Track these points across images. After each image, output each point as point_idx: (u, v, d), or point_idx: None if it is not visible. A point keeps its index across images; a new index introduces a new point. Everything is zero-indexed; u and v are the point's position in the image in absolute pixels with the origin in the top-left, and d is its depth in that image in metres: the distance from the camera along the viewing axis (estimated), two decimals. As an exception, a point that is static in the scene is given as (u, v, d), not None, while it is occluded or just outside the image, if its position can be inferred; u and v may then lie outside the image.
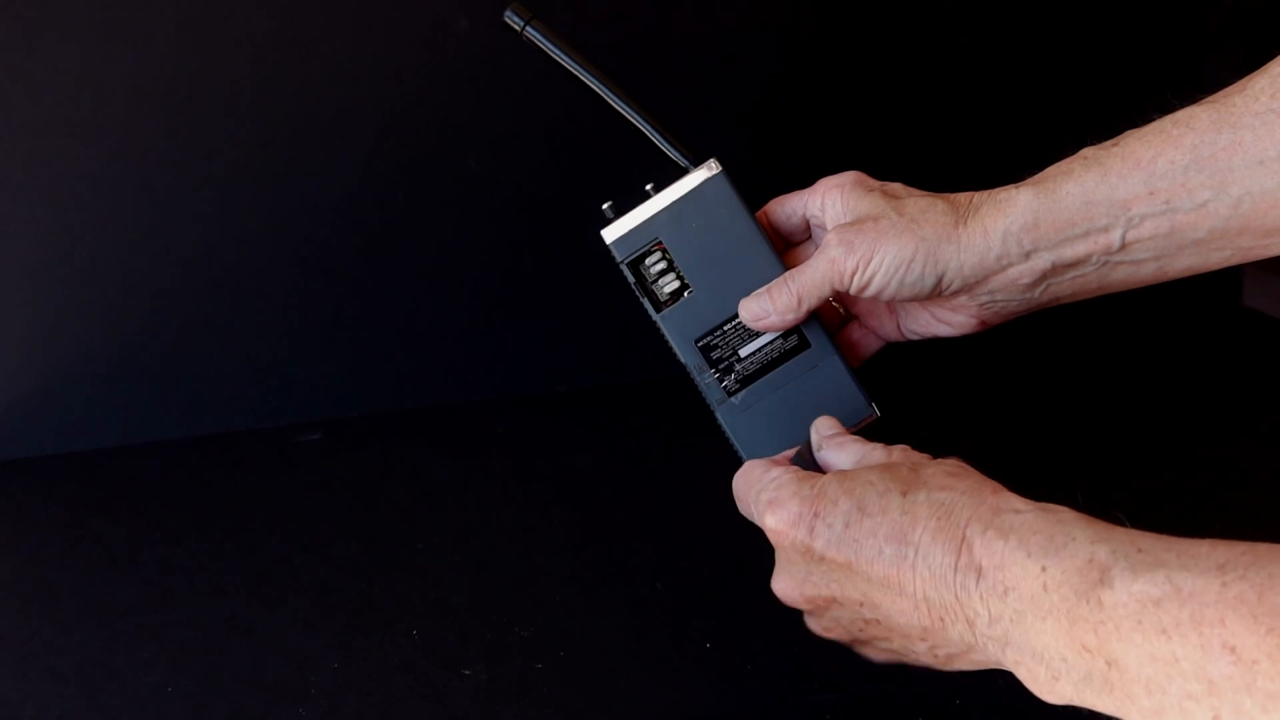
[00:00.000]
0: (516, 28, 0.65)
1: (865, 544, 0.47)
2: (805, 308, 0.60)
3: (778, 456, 0.59)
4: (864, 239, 0.57)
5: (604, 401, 1.07)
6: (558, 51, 0.66)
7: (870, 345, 0.66)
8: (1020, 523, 0.43)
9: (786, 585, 0.52)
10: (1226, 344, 1.19)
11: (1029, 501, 0.45)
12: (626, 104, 0.66)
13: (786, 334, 0.62)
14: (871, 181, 0.61)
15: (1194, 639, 0.35)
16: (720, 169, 0.64)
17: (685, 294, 0.63)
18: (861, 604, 0.48)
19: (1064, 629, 0.39)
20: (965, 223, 0.56)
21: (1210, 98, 0.52)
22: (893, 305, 0.64)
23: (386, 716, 0.65)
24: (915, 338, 0.64)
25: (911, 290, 0.57)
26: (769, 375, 0.62)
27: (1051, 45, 1.19)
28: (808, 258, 0.61)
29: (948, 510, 0.45)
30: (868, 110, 1.15)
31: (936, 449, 0.53)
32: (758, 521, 0.53)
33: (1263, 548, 0.36)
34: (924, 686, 0.65)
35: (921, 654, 0.48)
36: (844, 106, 1.14)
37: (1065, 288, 0.57)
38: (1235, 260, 0.53)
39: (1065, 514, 0.43)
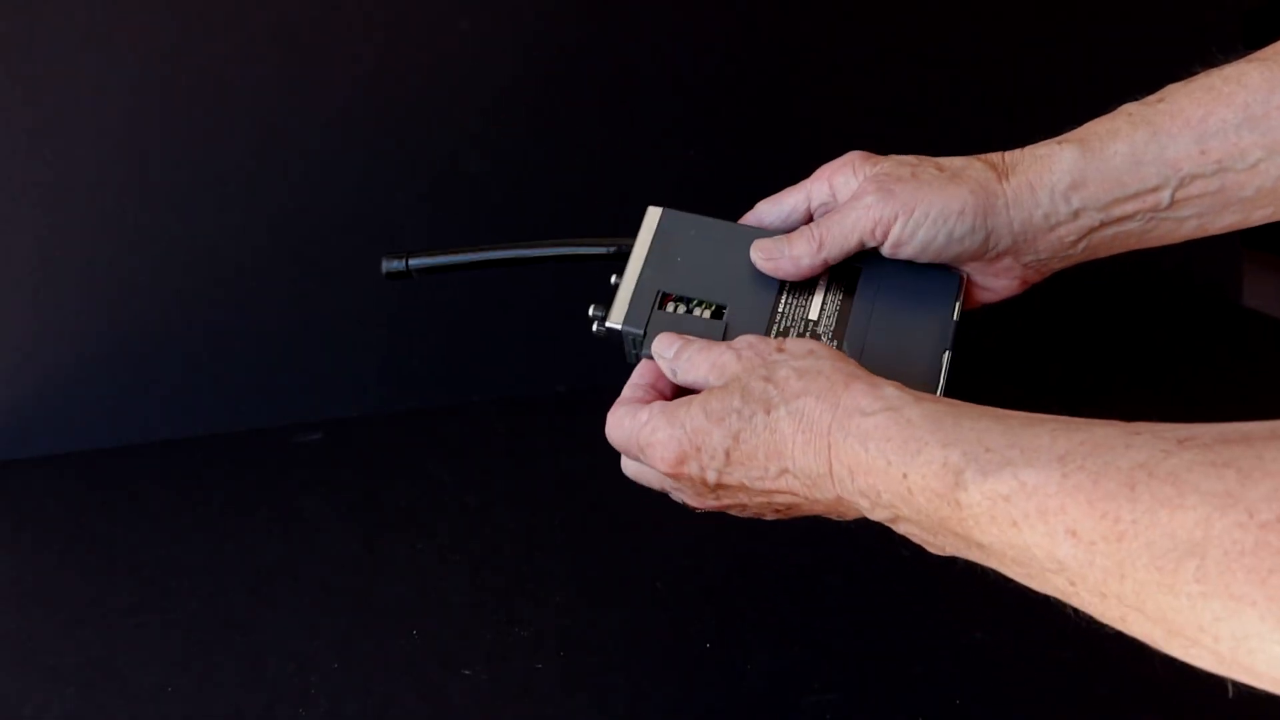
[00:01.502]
0: (402, 270, 0.63)
1: (750, 466, 0.49)
2: (824, 256, 0.55)
3: (640, 396, 0.56)
4: (905, 189, 0.53)
5: (604, 401, 1.06)
6: (446, 260, 0.63)
7: None
8: (873, 427, 0.44)
9: (697, 504, 0.54)
10: (1226, 344, 1.19)
11: (877, 395, 0.45)
12: (534, 249, 0.64)
13: (836, 276, 0.57)
14: (880, 155, 0.57)
15: (1041, 528, 0.38)
16: (662, 208, 0.61)
17: (725, 312, 0.58)
18: (768, 505, 0.51)
19: (934, 521, 0.42)
20: (1008, 178, 0.54)
21: (1259, 54, 0.51)
22: None
23: (386, 716, 0.65)
24: None
25: (959, 247, 0.54)
26: (852, 312, 0.57)
27: (1051, 45, 1.19)
28: None
29: (809, 421, 0.47)
30: (859, 112, 1.15)
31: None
32: (645, 465, 0.53)
33: (1099, 434, 0.38)
34: (924, 686, 0.65)
35: (835, 517, 0.51)
36: (830, 107, 1.14)
37: (1104, 244, 0.55)
38: (1276, 216, 0.53)
39: (913, 413, 0.44)
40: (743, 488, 0.50)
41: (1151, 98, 0.54)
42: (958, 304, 0.56)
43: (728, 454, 0.49)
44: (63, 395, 1.00)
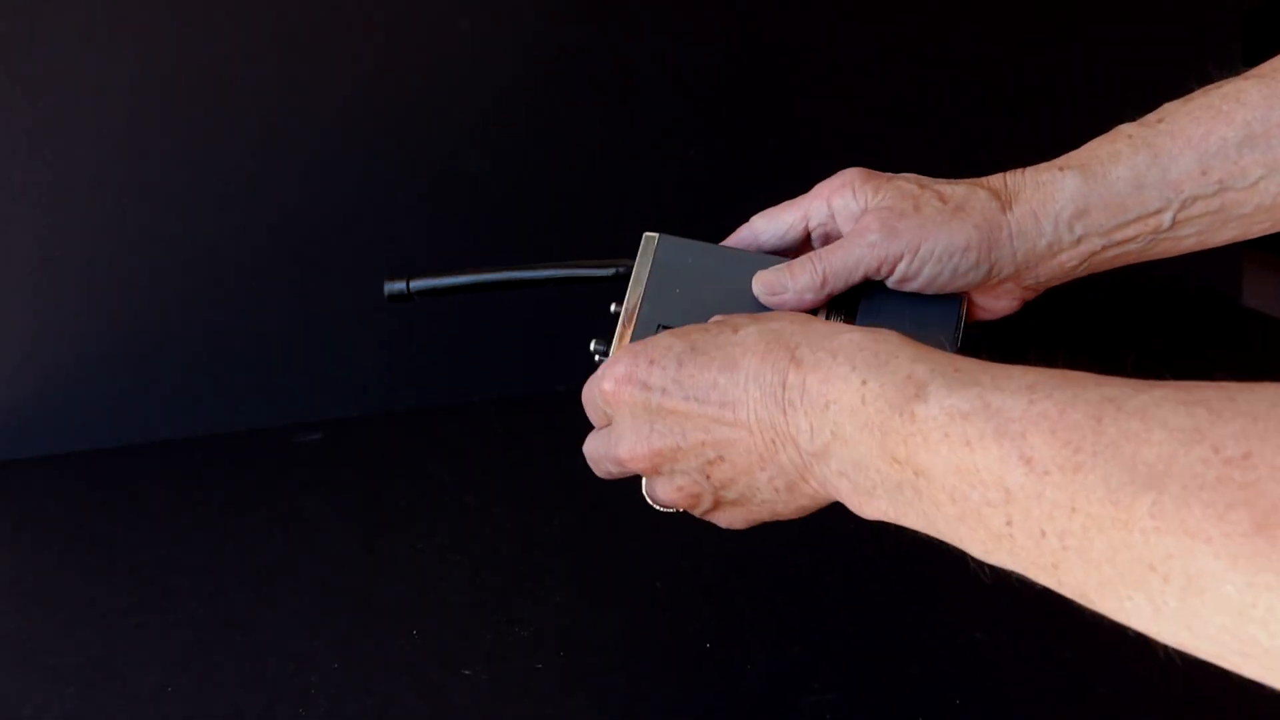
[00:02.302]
0: (403, 292, 0.63)
1: (700, 378, 0.47)
2: (828, 290, 0.55)
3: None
4: (909, 225, 0.53)
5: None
6: (447, 282, 0.64)
7: None
8: (848, 342, 0.44)
9: (632, 443, 0.51)
10: (1226, 344, 1.19)
11: (860, 328, 0.45)
12: (535, 271, 0.63)
13: (836, 301, 0.56)
14: (880, 174, 0.56)
15: (995, 450, 0.36)
16: (658, 235, 0.60)
17: None
18: (704, 443, 0.48)
19: (877, 440, 0.41)
20: (1012, 208, 0.54)
21: (1255, 71, 0.52)
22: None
23: (386, 716, 0.65)
24: None
25: (963, 280, 0.54)
26: None
27: (1052, 45, 1.19)
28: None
29: (778, 335, 0.46)
30: (856, 118, 1.15)
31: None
32: (598, 400, 0.53)
33: (1073, 373, 0.38)
34: (924, 686, 0.65)
35: (764, 490, 0.48)
36: (828, 116, 1.14)
37: (1104, 264, 0.56)
38: (1275, 229, 0.53)
39: (894, 338, 0.44)
40: (680, 412, 0.48)
41: (1150, 117, 0.53)
42: (960, 327, 0.56)
43: (680, 364, 0.48)
44: (63, 395, 1.00)
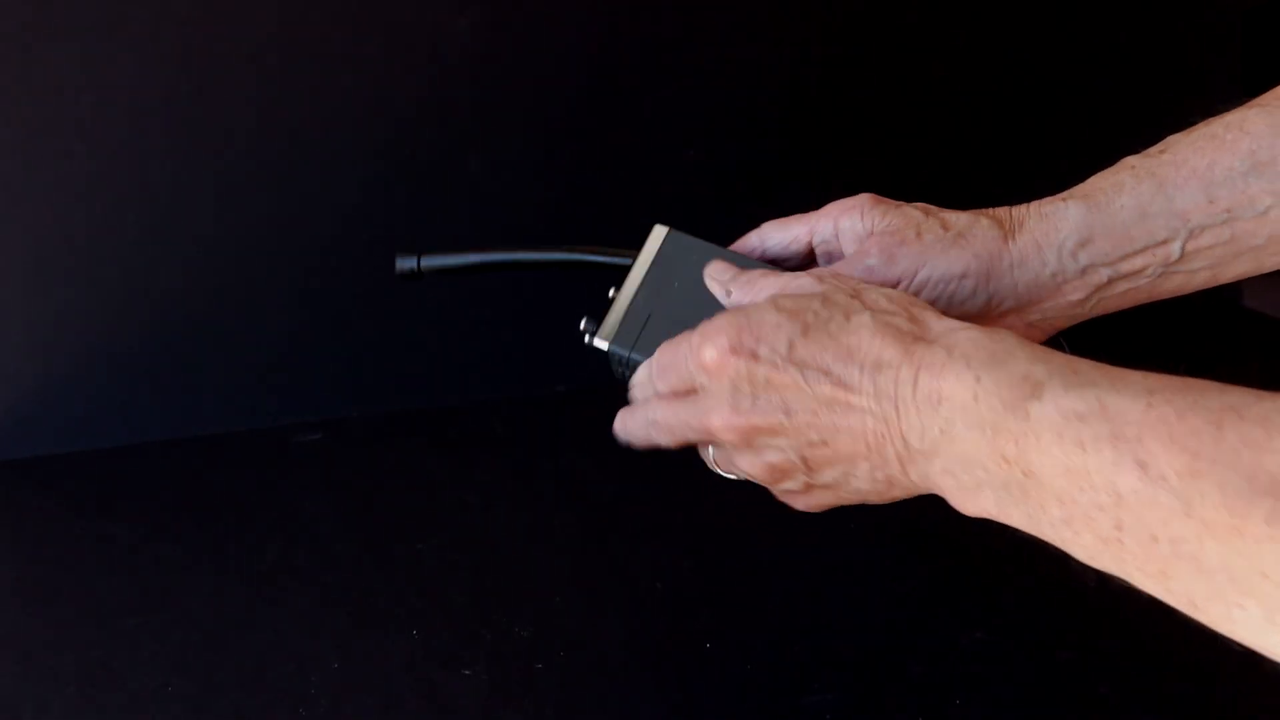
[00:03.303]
0: (413, 269, 0.62)
1: (814, 361, 0.46)
2: None
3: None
4: (908, 251, 0.53)
5: (604, 401, 1.06)
6: (458, 261, 0.63)
7: None
8: (965, 338, 0.43)
9: (728, 416, 0.48)
10: (1226, 344, 1.19)
11: (977, 325, 0.45)
12: (545, 254, 0.63)
13: None
14: (890, 201, 0.56)
15: (1109, 454, 0.36)
16: (668, 229, 0.60)
17: None
18: (810, 425, 0.46)
19: (987, 439, 0.40)
20: (1014, 238, 0.53)
21: (1258, 100, 0.51)
22: None
23: (386, 716, 0.65)
24: None
25: (959, 310, 0.53)
26: None
27: (1051, 46, 1.19)
28: None
29: (893, 327, 0.45)
30: (862, 127, 1.15)
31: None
32: (689, 367, 0.50)
33: (1195, 380, 0.37)
34: (924, 686, 0.65)
35: (862, 480, 0.47)
36: (841, 128, 1.14)
37: (1115, 300, 0.55)
38: None
39: (1011, 337, 0.43)
40: (793, 392, 0.46)
41: (1153, 149, 0.53)
42: None
43: (791, 345, 0.46)
44: (63, 395, 1.00)
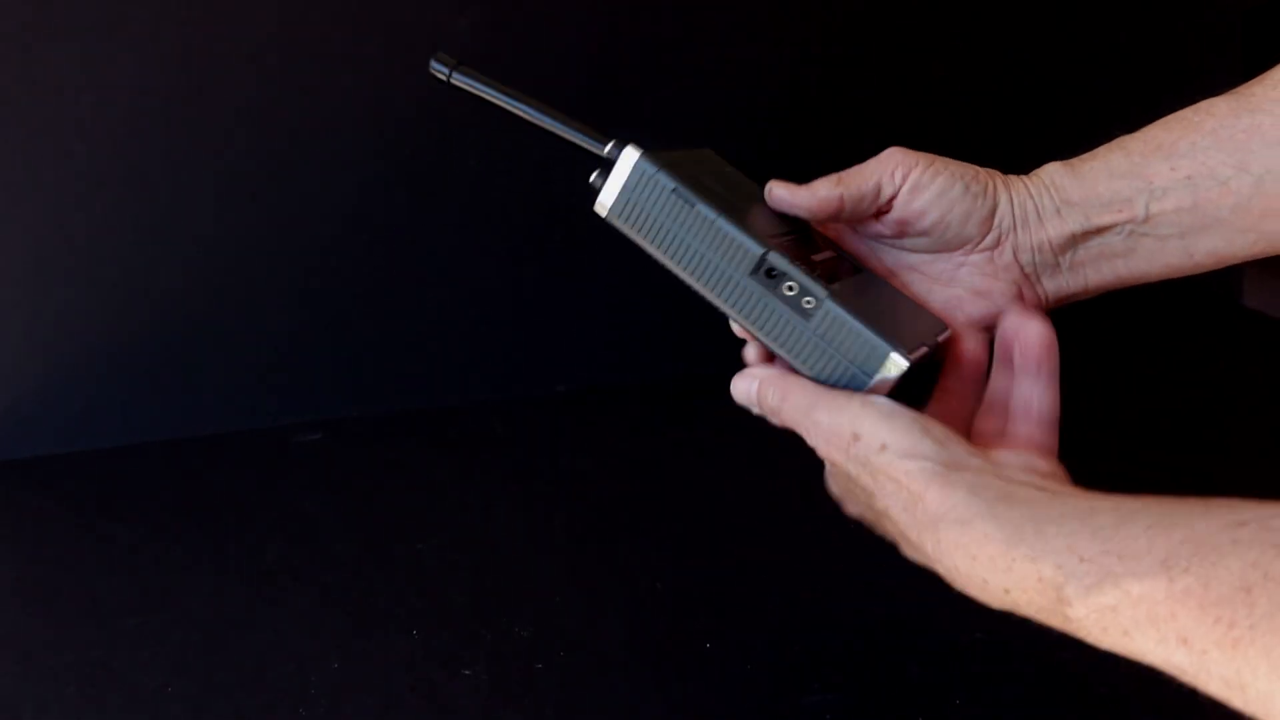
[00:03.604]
0: (444, 76, 0.62)
1: (889, 506, 0.48)
2: (840, 190, 0.55)
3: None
4: (924, 155, 0.56)
5: (604, 401, 1.07)
6: (488, 92, 0.63)
7: None
8: (954, 545, 0.44)
9: (832, 489, 0.55)
10: (1226, 344, 1.19)
11: (949, 500, 0.44)
12: (566, 126, 0.63)
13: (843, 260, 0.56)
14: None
15: (1153, 635, 0.37)
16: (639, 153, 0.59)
17: (732, 208, 0.54)
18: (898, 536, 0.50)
19: (1054, 625, 0.42)
20: (1004, 176, 0.57)
21: (1231, 91, 0.54)
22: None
23: (386, 716, 0.65)
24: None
25: (964, 209, 0.55)
26: (858, 275, 0.55)
27: (1052, 46, 1.19)
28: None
29: (903, 529, 0.47)
30: (862, 118, 1.15)
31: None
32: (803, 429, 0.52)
33: (1200, 529, 0.37)
34: (924, 686, 0.65)
35: None
36: (846, 117, 1.14)
37: (1092, 261, 0.57)
38: (1261, 248, 0.54)
39: (989, 527, 0.43)
40: (877, 515, 0.51)
41: (1136, 132, 0.56)
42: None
43: (875, 476, 0.48)
44: (63, 395, 1.00)
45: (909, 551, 0.49)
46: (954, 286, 0.58)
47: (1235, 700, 0.35)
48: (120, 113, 0.97)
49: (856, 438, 0.49)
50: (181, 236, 1.00)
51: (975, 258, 0.58)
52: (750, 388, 0.55)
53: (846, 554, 0.80)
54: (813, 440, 0.52)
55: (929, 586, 0.74)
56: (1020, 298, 0.58)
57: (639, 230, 0.59)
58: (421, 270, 1.07)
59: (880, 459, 0.47)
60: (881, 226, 0.58)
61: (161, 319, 1.01)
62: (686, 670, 0.68)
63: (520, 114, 0.63)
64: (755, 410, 0.55)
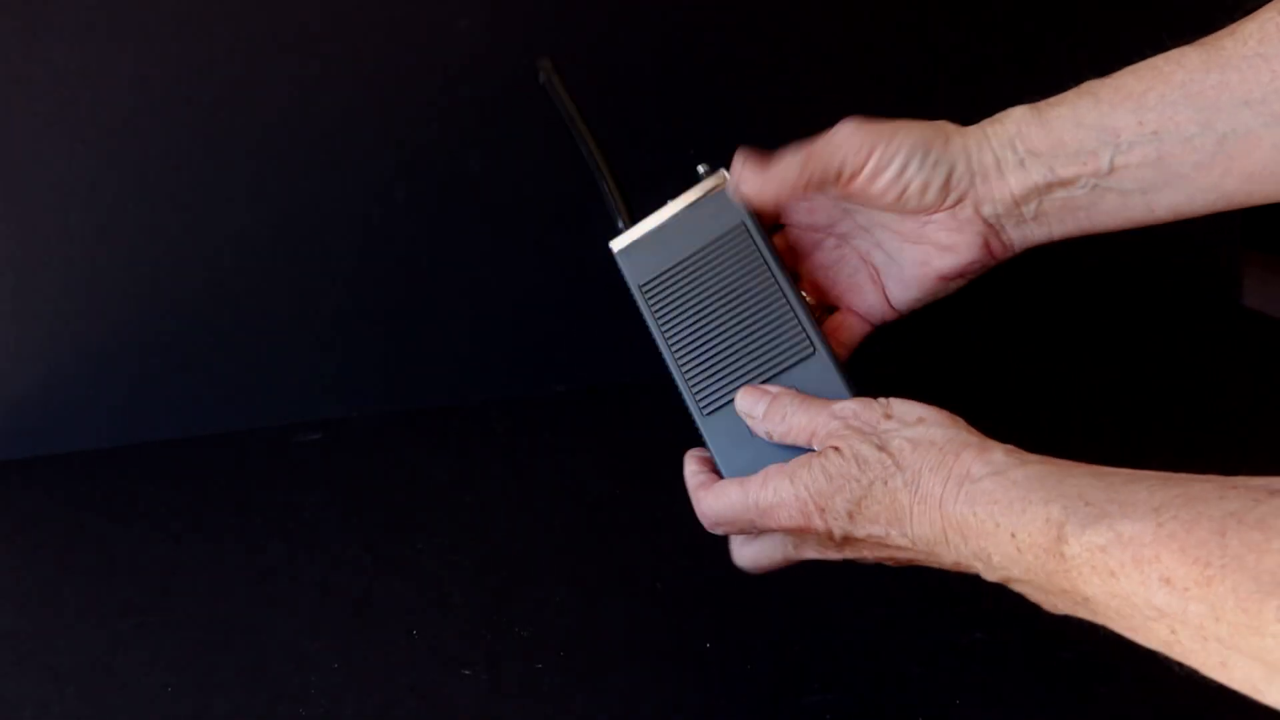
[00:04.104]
0: (541, 79, 0.67)
1: (873, 527, 0.51)
2: (804, 176, 0.58)
3: (706, 480, 0.59)
4: (878, 125, 0.56)
5: (604, 401, 1.07)
6: (564, 108, 0.68)
7: (855, 331, 0.63)
8: (981, 492, 0.47)
9: (813, 556, 0.58)
10: (1226, 344, 1.19)
11: (985, 459, 0.48)
12: (602, 180, 0.68)
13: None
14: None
15: (1136, 576, 0.40)
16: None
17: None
18: (894, 560, 0.54)
19: (1044, 578, 0.44)
20: (965, 131, 0.58)
21: (1203, 40, 0.54)
22: (873, 270, 0.62)
23: (386, 716, 0.65)
24: (909, 297, 0.61)
25: (922, 178, 0.56)
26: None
27: (1050, 45, 1.19)
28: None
29: (923, 494, 0.49)
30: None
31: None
32: (764, 535, 0.57)
33: (1195, 487, 0.40)
34: (924, 687, 0.65)
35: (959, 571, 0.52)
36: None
37: (1056, 213, 0.57)
38: (1221, 206, 0.54)
39: (1018, 474, 0.46)
40: (867, 543, 0.53)
41: (1107, 76, 0.56)
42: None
43: (850, 515, 0.52)
44: (63, 395, 1.00)
45: (910, 528, 0.50)
46: (922, 243, 0.60)
47: (1210, 634, 0.37)
48: (120, 112, 0.97)
49: (888, 415, 0.53)
50: (181, 236, 1.00)
51: (939, 216, 0.58)
52: (758, 399, 0.58)
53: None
54: (814, 435, 0.55)
55: (929, 587, 0.74)
56: (986, 248, 0.59)
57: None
58: (421, 270, 1.07)
59: (916, 430, 0.51)
60: (840, 195, 0.59)
61: (162, 319, 1.01)
62: (686, 670, 0.68)
63: (578, 143, 0.67)
64: (757, 414, 0.57)
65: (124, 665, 0.71)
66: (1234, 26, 0.53)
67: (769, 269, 0.60)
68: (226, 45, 0.98)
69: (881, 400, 0.54)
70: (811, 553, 0.57)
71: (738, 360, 0.60)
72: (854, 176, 0.57)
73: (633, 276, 0.63)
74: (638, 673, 0.68)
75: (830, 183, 0.57)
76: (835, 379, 0.59)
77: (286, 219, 1.03)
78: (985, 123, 0.58)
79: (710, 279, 0.61)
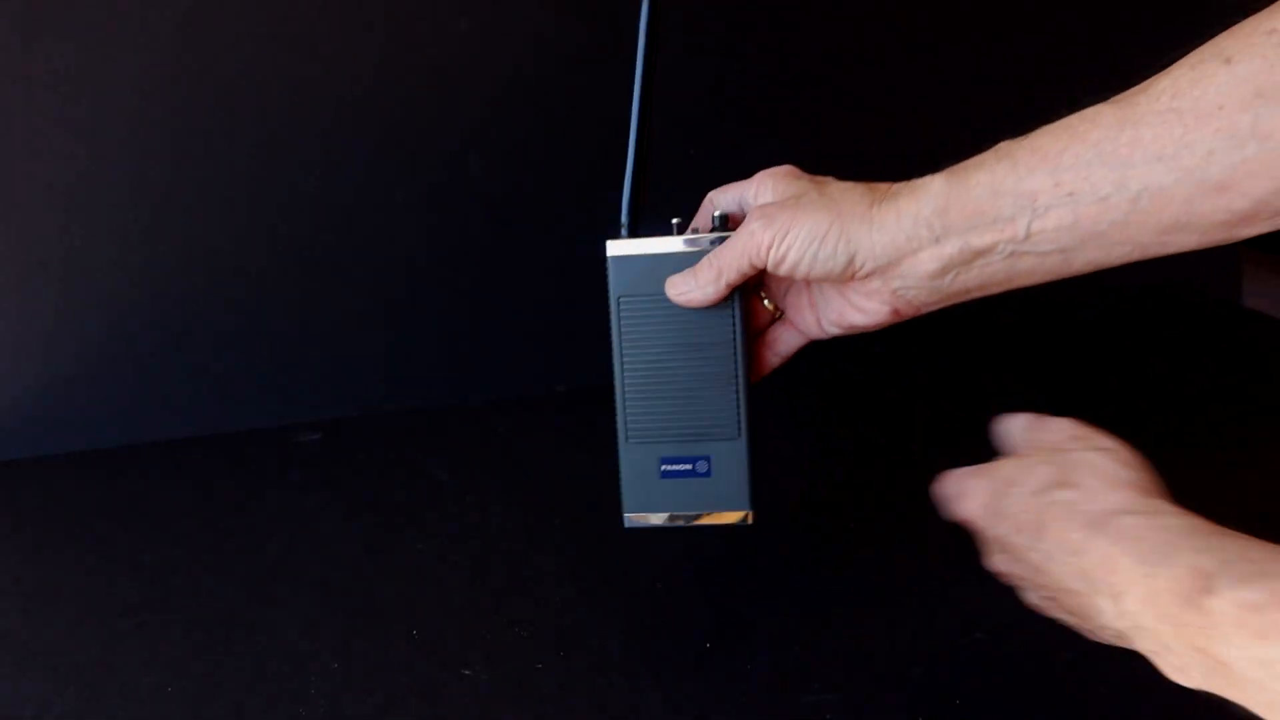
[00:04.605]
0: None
1: (1020, 537, 0.52)
2: (725, 281, 0.63)
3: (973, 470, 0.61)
4: (783, 214, 0.60)
5: (604, 401, 1.07)
6: (645, 32, 0.68)
7: (792, 343, 0.69)
8: (1128, 527, 0.46)
9: (994, 564, 0.57)
10: (1226, 344, 1.19)
11: (1141, 500, 0.48)
12: (629, 171, 0.69)
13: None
14: (803, 173, 0.64)
15: None
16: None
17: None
18: (1037, 583, 0.54)
19: (1176, 631, 0.42)
20: (880, 205, 0.59)
21: (1116, 97, 0.55)
22: (812, 297, 0.66)
23: (386, 716, 0.65)
24: (835, 330, 0.66)
25: (824, 266, 0.59)
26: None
27: (1049, 45, 1.19)
28: None
29: (1069, 512, 0.49)
30: (851, 114, 1.15)
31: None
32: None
33: None
34: (924, 686, 0.65)
35: (1099, 630, 0.52)
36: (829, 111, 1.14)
37: (973, 277, 0.59)
38: (1135, 256, 0.55)
39: (1173, 520, 0.46)
40: (1016, 553, 0.54)
41: (1023, 137, 0.57)
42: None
43: (1002, 518, 0.54)
44: (63, 395, 1.00)
45: (1048, 543, 0.51)
46: (842, 296, 0.64)
47: None
48: (120, 113, 0.97)
49: (1079, 438, 0.54)
50: (181, 236, 1.00)
51: (851, 284, 0.62)
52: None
53: (847, 554, 0.79)
54: (1021, 443, 0.57)
55: (930, 587, 0.74)
56: (895, 313, 0.62)
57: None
58: (421, 270, 1.07)
59: (1094, 456, 0.52)
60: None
61: (161, 319, 1.01)
62: (686, 670, 0.68)
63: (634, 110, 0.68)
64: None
65: (124, 665, 0.71)
66: (1147, 83, 0.54)
67: (733, 343, 0.65)
68: (227, 45, 0.98)
69: (1085, 427, 0.56)
70: (995, 558, 0.57)
71: (673, 410, 0.67)
72: (762, 268, 0.62)
73: (616, 285, 0.67)
74: (638, 673, 0.68)
75: (748, 274, 0.63)
76: (742, 467, 0.66)
77: (287, 219, 1.03)
78: (904, 196, 0.59)
79: (680, 327, 0.66)
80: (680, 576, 0.78)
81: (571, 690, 0.66)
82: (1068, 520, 0.49)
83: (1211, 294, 1.26)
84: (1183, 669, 0.43)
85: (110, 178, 0.98)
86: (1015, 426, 0.59)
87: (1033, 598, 0.57)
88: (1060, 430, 0.56)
